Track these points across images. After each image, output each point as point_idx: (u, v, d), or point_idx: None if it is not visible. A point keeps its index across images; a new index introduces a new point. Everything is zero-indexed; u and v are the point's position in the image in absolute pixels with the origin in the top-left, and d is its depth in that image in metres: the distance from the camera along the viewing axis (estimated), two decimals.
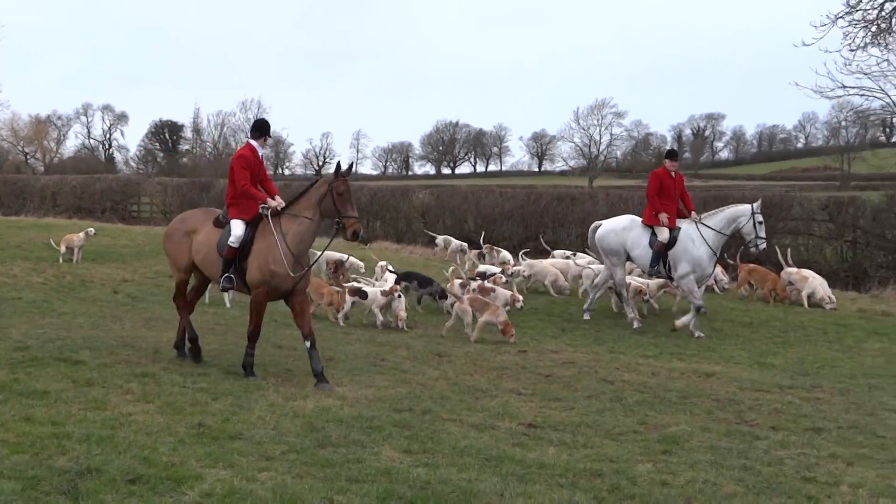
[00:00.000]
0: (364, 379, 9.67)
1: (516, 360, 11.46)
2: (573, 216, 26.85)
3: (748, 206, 14.72)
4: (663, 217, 14.60)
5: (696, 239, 14.54)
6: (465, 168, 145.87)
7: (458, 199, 29.63)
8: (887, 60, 21.51)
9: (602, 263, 16.10)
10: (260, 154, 10.03)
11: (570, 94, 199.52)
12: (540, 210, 27.25)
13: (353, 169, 10.09)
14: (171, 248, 10.47)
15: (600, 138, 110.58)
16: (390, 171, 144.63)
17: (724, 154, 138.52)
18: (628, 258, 15.47)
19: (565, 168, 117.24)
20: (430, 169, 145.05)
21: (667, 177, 14.93)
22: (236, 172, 9.84)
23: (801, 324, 15.53)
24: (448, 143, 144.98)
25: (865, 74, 21.84)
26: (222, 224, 9.97)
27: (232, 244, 9.64)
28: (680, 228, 14.70)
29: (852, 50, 21.84)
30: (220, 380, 9.08)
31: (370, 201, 30.73)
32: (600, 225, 15.91)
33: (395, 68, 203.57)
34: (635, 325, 14.66)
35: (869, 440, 7.95)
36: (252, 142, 10.04)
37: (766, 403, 9.37)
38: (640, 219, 15.24)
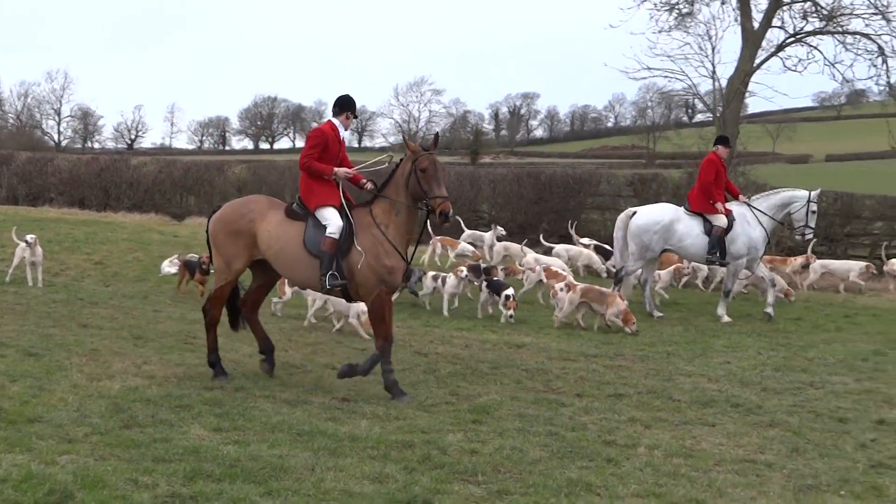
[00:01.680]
0: (174, 357, 9.44)
1: (331, 336, 11.43)
2: None
3: (805, 193, 14.34)
4: (720, 206, 14.08)
5: (750, 220, 14.16)
6: (284, 143, 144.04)
7: (275, 174, 29.18)
8: (688, 44, 22.56)
9: (616, 252, 15.19)
10: (342, 134, 8.87)
11: (390, 70, 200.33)
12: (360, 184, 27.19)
13: (437, 143, 8.74)
14: (224, 244, 8.79)
15: (419, 115, 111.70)
16: (207, 145, 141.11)
17: (539, 132, 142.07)
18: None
19: (385, 144, 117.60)
20: (248, 144, 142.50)
21: (720, 164, 14.39)
22: (305, 146, 8.76)
23: None
24: (266, 117, 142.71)
25: (669, 57, 22.88)
26: (299, 214, 8.63)
27: (333, 235, 8.33)
28: (732, 212, 14.21)
29: (655, 32, 22.85)
30: (19, 361, 8.67)
31: (183, 176, 29.89)
32: (635, 213, 14.84)
33: (211, 39, 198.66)
34: (655, 314, 14.12)
35: (665, 404, 8.37)
36: (334, 119, 8.88)
37: (572, 372, 9.71)
38: (681, 208, 14.59)
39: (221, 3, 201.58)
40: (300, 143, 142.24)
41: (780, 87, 69.72)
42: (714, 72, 22.55)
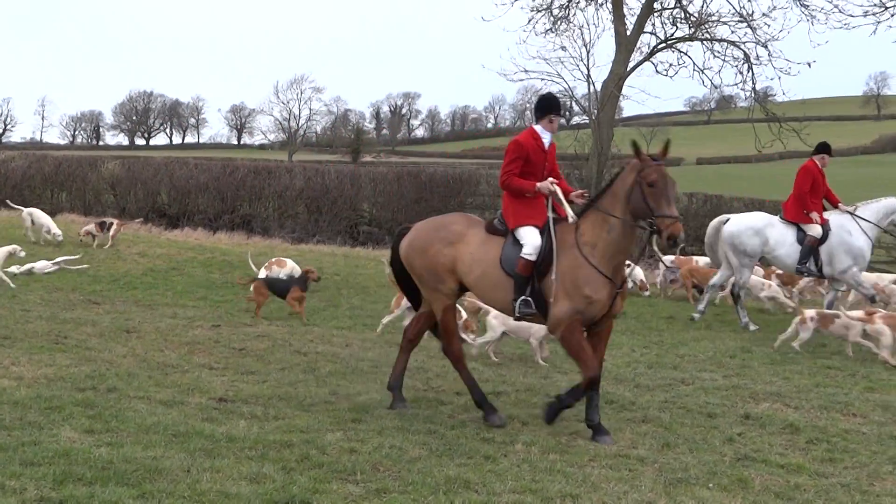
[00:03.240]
0: (44, 358, 9.12)
1: (209, 334, 11.23)
2: (270, 189, 26.67)
3: None
4: (815, 216, 13.58)
5: (852, 230, 13.61)
6: (160, 139, 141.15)
7: (150, 170, 28.54)
8: (564, 48, 22.94)
9: (715, 263, 14.84)
10: (545, 141, 7.84)
11: (270, 67, 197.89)
12: (237, 183, 26.82)
13: (667, 151, 7.55)
14: (427, 268, 7.93)
15: (300, 113, 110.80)
16: (80, 140, 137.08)
17: (420, 132, 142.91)
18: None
19: (265, 142, 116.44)
20: (123, 139, 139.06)
21: (818, 172, 13.85)
22: (504, 161, 7.81)
23: None
24: (142, 112, 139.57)
25: (545, 60, 23.21)
26: (500, 231, 7.80)
27: (528, 256, 7.45)
28: (829, 222, 13.68)
29: (534, 34, 23.13)
30: None
31: (55, 171, 28.95)
32: (728, 220, 14.40)
33: (84, 30, 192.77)
34: (751, 327, 13.63)
35: (542, 401, 8.50)
36: (536, 126, 7.86)
37: (452, 371, 9.73)
38: (776, 216, 14.12)
39: None
40: (177, 139, 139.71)
41: (653, 91, 71.72)
42: (589, 75, 22.95)
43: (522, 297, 7.46)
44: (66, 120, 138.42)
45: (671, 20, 22.27)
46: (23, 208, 20.27)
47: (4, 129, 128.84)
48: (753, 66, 21.96)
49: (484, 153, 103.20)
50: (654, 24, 22.34)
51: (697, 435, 7.61)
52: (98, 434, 6.55)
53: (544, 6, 22.73)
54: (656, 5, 21.98)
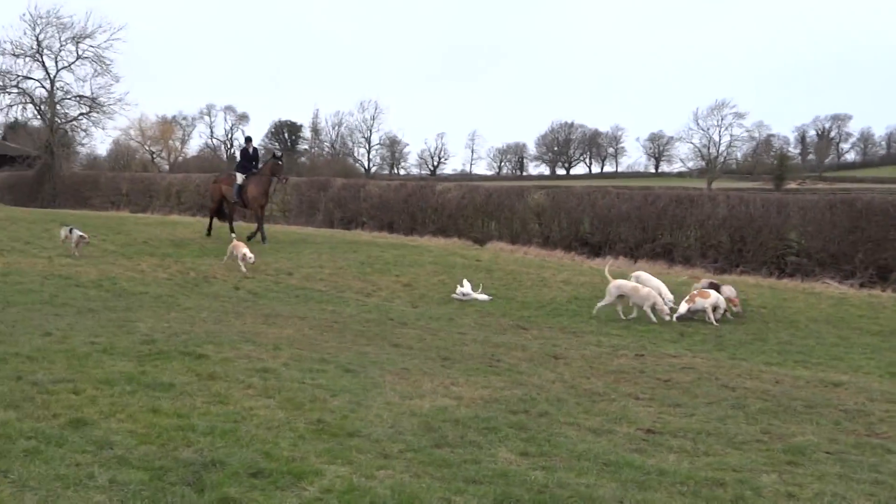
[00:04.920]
0: (480, 380, 9.64)
1: (634, 364, 11.28)
2: (692, 218, 26.32)
3: None
4: None
5: None
6: (579, 169, 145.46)
7: (573, 200, 29.32)
8: None
9: None
10: None
11: (687, 94, 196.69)
12: (658, 212, 26.78)
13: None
14: None
15: (720, 139, 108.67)
16: (505, 171, 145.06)
17: (851, 156, 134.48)
18: None
19: (683, 169, 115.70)
20: (544, 169, 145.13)
21: None
22: None
23: None
24: (563, 143, 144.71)
25: None
26: None
27: None
28: None
29: None
30: (338, 377, 9.17)
31: (485, 201, 30.73)
32: None
33: (510, 68, 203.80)
34: None
35: None
36: None
37: None
38: None
39: (518, 34, 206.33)
40: (595, 168, 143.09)
41: None
42: None
43: None
44: (493, 152, 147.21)
45: None
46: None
47: (440, 162, 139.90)
48: None
49: None
50: None
51: None
52: (532, 457, 6.77)
53: None
54: None
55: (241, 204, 25.00)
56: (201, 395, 7.84)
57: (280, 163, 24.60)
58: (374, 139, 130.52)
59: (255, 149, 25.59)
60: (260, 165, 25.05)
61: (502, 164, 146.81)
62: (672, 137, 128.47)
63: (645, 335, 13.70)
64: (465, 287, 16.86)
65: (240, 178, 24.67)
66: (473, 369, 10.21)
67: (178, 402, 7.49)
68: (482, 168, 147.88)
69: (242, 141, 27.80)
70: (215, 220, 25.58)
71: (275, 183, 24.84)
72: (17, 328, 10.64)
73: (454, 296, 16.67)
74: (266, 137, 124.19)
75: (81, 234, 19.41)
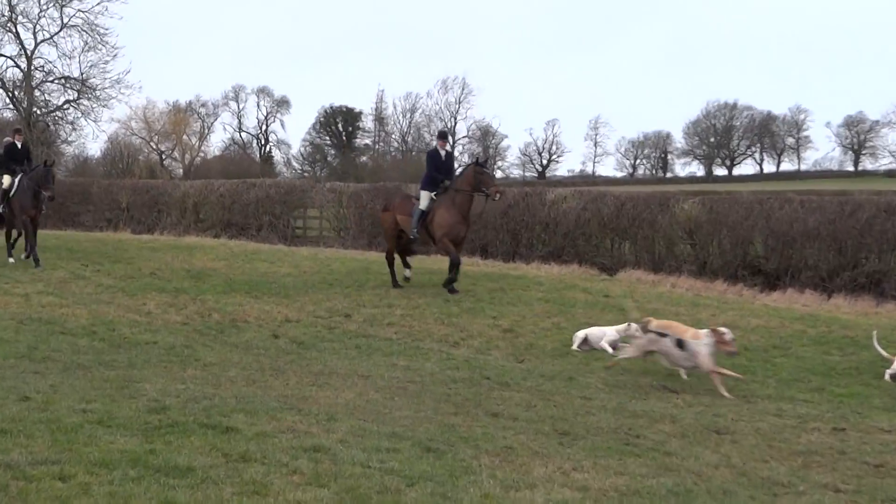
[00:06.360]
0: (613, 463, 9.55)
1: (830, 440, 11.08)
2: None
3: None
4: None
5: None
6: (746, 167, 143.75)
7: (740, 211, 28.84)
8: None
9: None
10: None
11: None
12: (860, 226, 26.29)
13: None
14: None
15: None
16: (641, 171, 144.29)
17: None
18: None
19: (894, 167, 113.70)
20: (696, 169, 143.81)
21: None
22: None
23: None
24: (722, 132, 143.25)
25: None
26: None
27: None
28: None
29: None
30: (416, 458, 9.17)
31: (615, 214, 30.33)
32: None
33: (645, 33, 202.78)
34: None
35: None
36: None
37: None
38: None
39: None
40: (769, 167, 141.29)
41: None
42: None
43: None
44: (625, 145, 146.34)
45: None
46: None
47: (550, 160, 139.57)
48: None
49: None
50: None
51: None
52: None
53: None
54: None
55: (423, 239, 23.49)
56: (230, 483, 7.89)
57: (485, 170, 23.03)
58: (460, 129, 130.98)
59: (448, 152, 24.29)
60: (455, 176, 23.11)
61: (637, 161, 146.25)
62: (878, 122, 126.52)
63: (845, 401, 13.45)
64: (632, 330, 15.91)
65: (424, 199, 22.78)
66: (603, 448, 10.13)
67: (198, 494, 7.55)
68: (609, 168, 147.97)
69: (433, 141, 25.93)
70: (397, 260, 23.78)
71: (484, 202, 23.45)
72: None
73: (613, 351, 16.36)
74: (313, 129, 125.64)
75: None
